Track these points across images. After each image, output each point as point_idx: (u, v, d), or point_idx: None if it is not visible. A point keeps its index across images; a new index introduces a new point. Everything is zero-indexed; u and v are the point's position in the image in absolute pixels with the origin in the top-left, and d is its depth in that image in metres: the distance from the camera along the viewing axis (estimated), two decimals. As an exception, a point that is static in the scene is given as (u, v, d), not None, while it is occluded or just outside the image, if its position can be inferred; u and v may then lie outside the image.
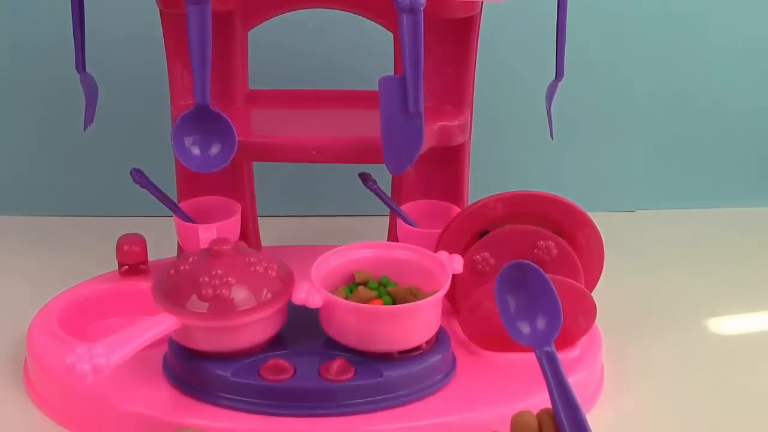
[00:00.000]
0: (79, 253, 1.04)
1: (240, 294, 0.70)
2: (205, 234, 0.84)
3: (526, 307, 0.67)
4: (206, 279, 0.70)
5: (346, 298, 0.74)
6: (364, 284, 0.77)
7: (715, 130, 1.18)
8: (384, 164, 0.79)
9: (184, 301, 0.70)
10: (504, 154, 1.16)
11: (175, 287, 0.71)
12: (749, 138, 1.19)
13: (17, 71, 1.10)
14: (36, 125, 1.13)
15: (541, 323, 0.67)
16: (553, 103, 0.88)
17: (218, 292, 0.70)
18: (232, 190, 0.92)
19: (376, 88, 0.76)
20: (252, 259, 0.73)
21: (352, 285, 0.77)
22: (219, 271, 0.71)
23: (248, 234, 0.94)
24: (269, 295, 0.71)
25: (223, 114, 0.79)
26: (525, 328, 0.67)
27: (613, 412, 0.79)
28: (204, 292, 0.70)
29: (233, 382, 0.71)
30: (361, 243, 0.80)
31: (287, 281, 0.73)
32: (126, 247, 0.88)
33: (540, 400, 0.74)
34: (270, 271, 0.73)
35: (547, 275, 0.67)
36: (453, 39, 0.86)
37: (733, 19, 1.13)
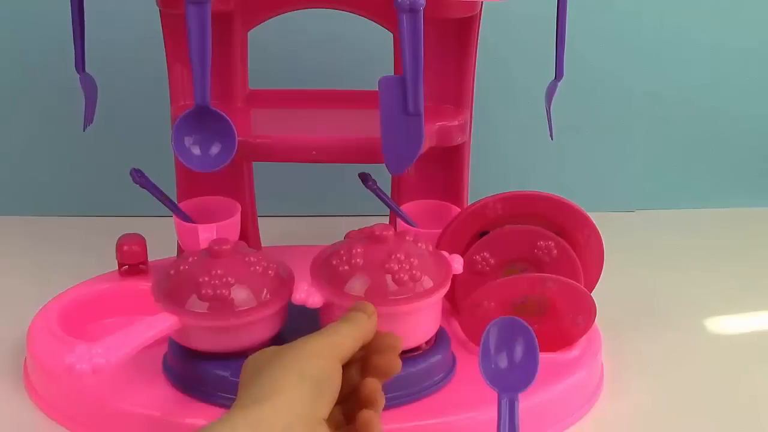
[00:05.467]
0: (79, 253, 1.04)
1: (240, 294, 0.70)
2: (205, 234, 0.84)
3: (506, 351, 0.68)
4: (206, 279, 0.70)
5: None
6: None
7: (714, 131, 1.18)
8: (384, 164, 0.79)
9: (184, 301, 0.70)
10: (504, 154, 1.16)
11: (175, 287, 0.71)
12: (749, 138, 1.19)
13: (17, 71, 1.10)
14: (36, 125, 1.13)
15: (516, 369, 0.67)
16: (552, 103, 0.88)
17: (218, 292, 0.70)
18: (232, 190, 0.92)
19: (376, 88, 0.76)
20: (252, 259, 0.73)
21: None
22: (219, 271, 0.71)
23: (248, 234, 0.94)
24: (269, 296, 0.71)
25: (223, 114, 0.79)
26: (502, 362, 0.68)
27: (613, 412, 0.79)
28: (204, 292, 0.70)
29: (233, 382, 0.70)
30: (361, 243, 0.80)
31: (287, 281, 0.73)
32: (126, 247, 0.88)
33: (540, 400, 0.74)
34: (270, 271, 0.73)
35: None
36: (453, 39, 0.86)
37: (733, 20, 1.13)
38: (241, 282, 0.71)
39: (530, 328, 0.68)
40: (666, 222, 1.18)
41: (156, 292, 0.72)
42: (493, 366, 0.68)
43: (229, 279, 0.70)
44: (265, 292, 0.71)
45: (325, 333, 0.59)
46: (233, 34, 0.88)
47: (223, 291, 0.70)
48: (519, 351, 0.68)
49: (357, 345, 0.60)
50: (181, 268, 0.72)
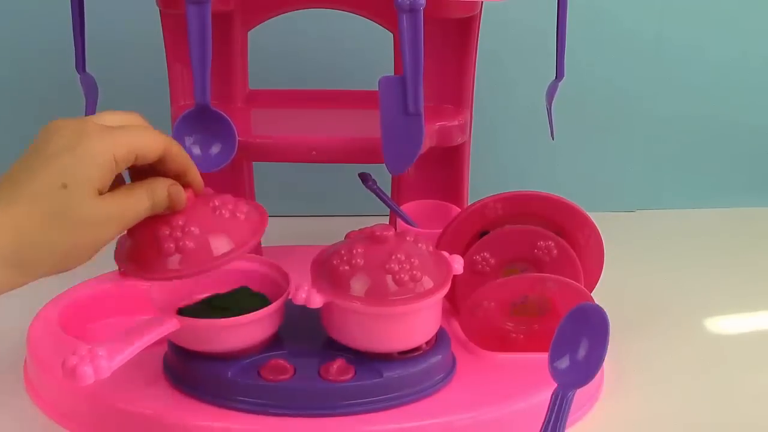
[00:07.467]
0: (79, 253, 1.04)
1: (216, 242, 0.65)
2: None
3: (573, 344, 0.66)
4: (167, 232, 0.64)
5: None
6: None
7: (714, 130, 1.18)
8: (384, 164, 0.79)
9: (150, 260, 0.65)
10: (504, 154, 1.16)
11: (136, 245, 0.66)
12: (749, 138, 1.19)
13: (17, 71, 1.10)
14: (36, 125, 1.13)
15: (578, 365, 0.65)
16: (553, 103, 0.88)
17: (180, 244, 0.64)
18: (232, 190, 0.91)
19: (376, 88, 0.76)
20: (216, 202, 0.67)
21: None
22: (180, 222, 0.65)
23: (248, 234, 0.94)
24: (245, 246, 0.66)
25: (223, 114, 0.79)
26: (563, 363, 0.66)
27: (613, 412, 0.79)
28: (166, 246, 0.64)
29: (233, 382, 0.71)
30: (361, 243, 0.80)
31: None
32: (126, 247, 0.88)
33: (540, 400, 0.74)
34: (238, 214, 0.67)
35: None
36: (453, 39, 0.86)
37: (732, 21, 1.13)
38: (207, 231, 0.65)
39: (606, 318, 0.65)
40: (666, 222, 1.18)
41: (118, 257, 0.67)
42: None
43: (193, 229, 0.64)
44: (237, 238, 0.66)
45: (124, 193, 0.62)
46: (233, 34, 0.88)
47: (187, 242, 0.64)
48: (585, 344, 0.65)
49: (140, 216, 0.62)
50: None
